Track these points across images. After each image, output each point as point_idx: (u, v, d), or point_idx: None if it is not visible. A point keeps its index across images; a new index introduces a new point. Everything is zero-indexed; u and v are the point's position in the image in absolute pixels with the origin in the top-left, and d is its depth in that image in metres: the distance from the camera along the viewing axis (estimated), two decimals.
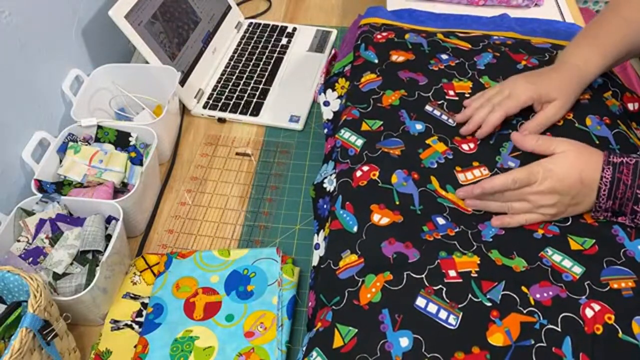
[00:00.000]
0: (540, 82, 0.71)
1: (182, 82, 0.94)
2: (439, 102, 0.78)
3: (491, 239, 0.62)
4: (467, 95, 0.78)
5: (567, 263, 0.59)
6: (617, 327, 0.54)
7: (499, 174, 0.64)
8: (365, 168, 0.69)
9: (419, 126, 0.74)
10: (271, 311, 0.66)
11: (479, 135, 0.73)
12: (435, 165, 0.70)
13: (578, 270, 0.58)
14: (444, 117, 0.76)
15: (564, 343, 0.53)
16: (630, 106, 0.77)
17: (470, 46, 0.87)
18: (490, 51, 0.85)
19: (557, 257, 0.60)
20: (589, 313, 0.55)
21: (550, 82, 0.71)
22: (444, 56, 0.84)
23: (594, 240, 0.61)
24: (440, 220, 0.64)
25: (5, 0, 0.72)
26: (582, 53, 0.73)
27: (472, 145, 0.73)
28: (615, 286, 0.57)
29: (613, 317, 0.54)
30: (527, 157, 0.66)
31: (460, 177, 0.69)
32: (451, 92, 0.79)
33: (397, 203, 0.66)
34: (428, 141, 0.73)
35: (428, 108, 0.77)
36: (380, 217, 0.64)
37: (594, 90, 0.76)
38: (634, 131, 0.74)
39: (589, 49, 0.72)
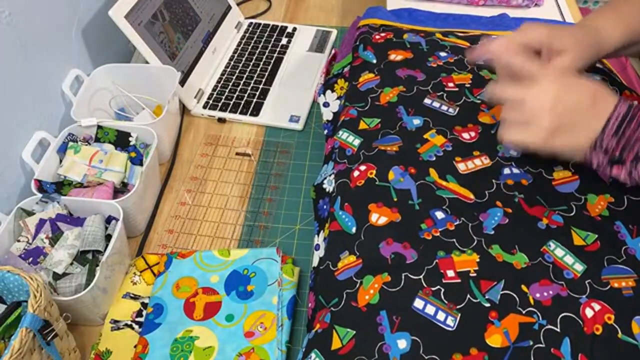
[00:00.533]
0: (555, 29, 0.65)
1: (182, 82, 0.94)
2: (439, 94, 0.78)
3: (493, 231, 0.62)
4: (468, 86, 0.78)
5: (569, 259, 0.59)
6: (616, 327, 0.54)
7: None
8: (363, 167, 0.69)
9: (417, 121, 0.74)
10: (271, 311, 0.66)
11: (471, 56, 0.68)
12: (434, 159, 0.70)
13: (579, 267, 0.58)
14: (444, 107, 0.76)
15: (562, 344, 0.53)
16: None
17: (468, 44, 0.87)
18: None
19: (559, 252, 0.59)
20: (588, 313, 0.55)
21: (565, 33, 0.65)
22: (443, 54, 0.84)
23: (596, 236, 0.60)
24: (439, 215, 0.64)
25: (5, 0, 0.73)
26: (603, 19, 0.67)
27: (472, 133, 0.72)
28: (616, 285, 0.57)
29: (613, 317, 0.54)
30: None
31: (461, 166, 0.69)
32: (450, 84, 0.79)
33: (395, 200, 0.66)
34: (426, 135, 0.73)
35: (427, 101, 0.77)
36: (379, 217, 0.64)
37: None
38: None
39: (610, 18, 0.67)
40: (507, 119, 0.60)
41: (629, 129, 0.54)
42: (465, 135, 0.72)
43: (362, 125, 0.75)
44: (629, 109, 0.55)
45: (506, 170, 0.67)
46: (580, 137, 0.56)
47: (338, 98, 0.87)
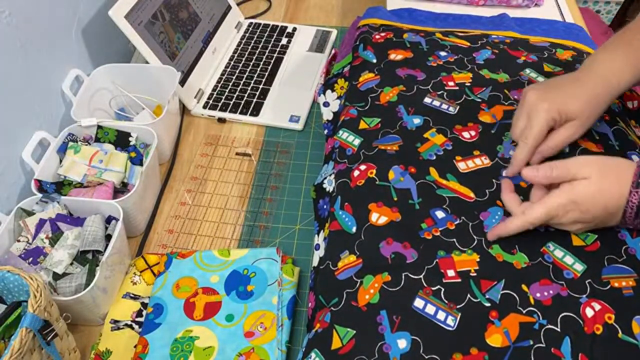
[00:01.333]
0: (559, 99, 0.63)
1: (182, 82, 0.94)
2: (439, 93, 0.78)
3: None
4: (468, 85, 0.78)
5: (569, 260, 0.59)
6: (617, 327, 0.54)
7: (512, 218, 0.60)
8: (363, 167, 0.69)
9: (417, 120, 0.74)
10: (271, 311, 0.66)
11: (506, 173, 0.67)
12: (434, 158, 0.70)
13: (579, 267, 0.58)
14: (444, 106, 0.76)
15: (563, 343, 0.53)
16: (629, 104, 0.77)
17: (468, 44, 0.87)
18: (489, 48, 0.85)
19: (559, 253, 0.59)
20: (589, 312, 0.55)
21: (571, 98, 0.63)
22: (443, 53, 0.84)
23: (596, 236, 0.60)
24: (440, 214, 0.64)
25: (5, 0, 0.73)
26: (613, 62, 0.64)
27: (472, 132, 0.72)
28: (616, 285, 0.57)
29: (613, 316, 0.54)
30: None
31: (461, 165, 0.69)
32: (451, 83, 0.79)
33: (395, 199, 0.66)
34: (426, 135, 0.73)
35: (427, 100, 0.77)
36: (379, 217, 0.64)
37: None
38: (632, 129, 0.74)
39: (622, 59, 0.63)
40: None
41: None
42: (466, 134, 0.72)
43: (362, 125, 0.75)
44: None
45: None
46: (609, 224, 0.59)
47: (338, 98, 0.87)
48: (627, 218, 0.57)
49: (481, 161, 0.69)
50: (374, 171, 0.69)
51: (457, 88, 0.78)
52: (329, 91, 0.89)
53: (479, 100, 0.76)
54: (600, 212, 0.57)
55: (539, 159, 0.65)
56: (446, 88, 0.78)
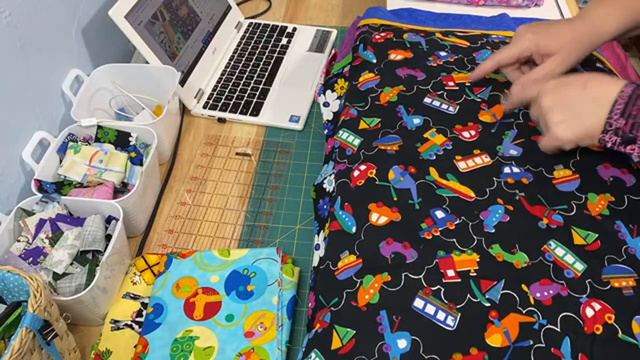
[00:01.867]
0: (544, 32, 0.68)
1: (182, 82, 0.94)
2: (439, 93, 0.78)
3: (493, 229, 0.62)
4: (468, 85, 0.78)
5: (570, 259, 0.59)
6: (617, 327, 0.54)
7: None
8: (363, 167, 0.70)
9: (417, 120, 0.74)
10: (271, 311, 0.66)
11: (469, 78, 0.77)
12: (434, 157, 0.70)
13: (580, 267, 0.58)
14: (444, 106, 0.76)
15: (563, 343, 0.53)
16: None
17: (468, 44, 0.87)
18: (489, 48, 0.85)
19: (560, 251, 0.59)
20: (589, 312, 0.55)
21: (555, 34, 0.68)
22: (443, 53, 0.84)
23: (596, 235, 0.60)
24: (440, 214, 0.64)
25: (5, 0, 0.73)
26: (602, 9, 0.68)
27: (472, 132, 0.72)
28: (616, 285, 0.57)
29: (613, 316, 0.54)
30: (530, 146, 0.66)
31: (461, 165, 0.69)
32: (451, 83, 0.79)
33: (395, 199, 0.66)
34: (426, 134, 0.73)
35: (427, 100, 0.77)
36: (379, 217, 0.64)
37: None
38: None
39: (609, 7, 0.68)
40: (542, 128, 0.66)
41: (635, 107, 0.56)
42: (466, 134, 0.72)
43: (362, 125, 0.75)
44: (635, 90, 0.57)
45: (506, 169, 0.67)
46: (587, 122, 0.59)
47: (338, 98, 0.87)
48: (615, 112, 0.57)
49: (481, 159, 0.69)
50: (374, 171, 0.69)
51: (457, 88, 0.78)
52: (329, 91, 0.89)
53: (479, 100, 0.76)
54: (577, 87, 0.60)
55: (518, 97, 0.70)
56: (446, 88, 0.78)
